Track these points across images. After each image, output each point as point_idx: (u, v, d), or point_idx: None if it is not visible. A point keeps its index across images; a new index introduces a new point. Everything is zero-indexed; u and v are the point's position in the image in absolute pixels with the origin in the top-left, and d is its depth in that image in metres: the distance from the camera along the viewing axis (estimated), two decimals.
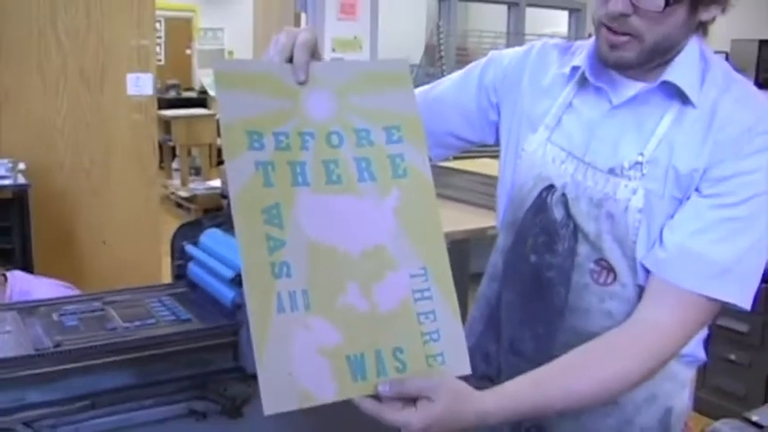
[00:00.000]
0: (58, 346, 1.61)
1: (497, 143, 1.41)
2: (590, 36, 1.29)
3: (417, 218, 1.07)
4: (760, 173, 1.12)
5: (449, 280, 1.07)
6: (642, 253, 1.16)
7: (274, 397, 0.97)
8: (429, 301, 1.05)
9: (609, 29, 1.13)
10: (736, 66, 1.25)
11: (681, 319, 1.13)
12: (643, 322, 1.14)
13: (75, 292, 2.34)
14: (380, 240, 1.05)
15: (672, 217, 1.15)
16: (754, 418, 1.56)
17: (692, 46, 1.18)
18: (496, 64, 1.39)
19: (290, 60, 1.04)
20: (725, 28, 7.61)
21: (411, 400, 1.00)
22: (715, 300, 1.13)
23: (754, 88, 1.20)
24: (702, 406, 3.17)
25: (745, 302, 1.14)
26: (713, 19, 1.16)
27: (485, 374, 1.37)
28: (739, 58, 7.38)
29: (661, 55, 1.15)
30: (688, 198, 1.14)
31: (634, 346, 1.12)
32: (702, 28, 1.19)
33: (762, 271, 1.15)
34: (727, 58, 7.17)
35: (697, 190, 1.14)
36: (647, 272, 1.17)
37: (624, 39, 1.12)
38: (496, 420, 1.05)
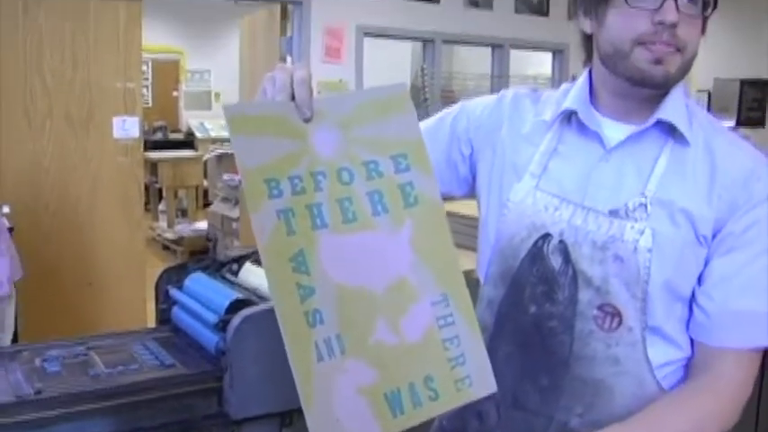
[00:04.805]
0: (39, 392, 1.58)
1: (466, 196, 1.40)
2: (573, 79, 1.30)
3: (432, 245, 1.08)
4: None
5: (468, 303, 1.08)
6: (655, 291, 1.16)
7: None
8: (452, 326, 1.06)
9: (653, 43, 1.11)
10: (719, 104, 1.26)
11: (743, 374, 1.16)
12: (708, 386, 1.15)
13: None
14: (401, 273, 1.06)
15: (694, 263, 1.16)
16: None
17: (678, 86, 1.19)
18: (469, 113, 1.37)
19: (291, 98, 1.04)
20: (707, 67, 7.74)
21: None
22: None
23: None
24: None
25: None
26: None
27: None
28: (721, 97, 7.47)
29: (684, 74, 1.15)
30: (704, 239, 1.15)
31: (701, 410, 1.14)
32: None
33: None
34: (709, 97, 7.31)
35: (719, 244, 1.15)
36: (691, 340, 1.19)
37: (671, 49, 1.11)
38: None
